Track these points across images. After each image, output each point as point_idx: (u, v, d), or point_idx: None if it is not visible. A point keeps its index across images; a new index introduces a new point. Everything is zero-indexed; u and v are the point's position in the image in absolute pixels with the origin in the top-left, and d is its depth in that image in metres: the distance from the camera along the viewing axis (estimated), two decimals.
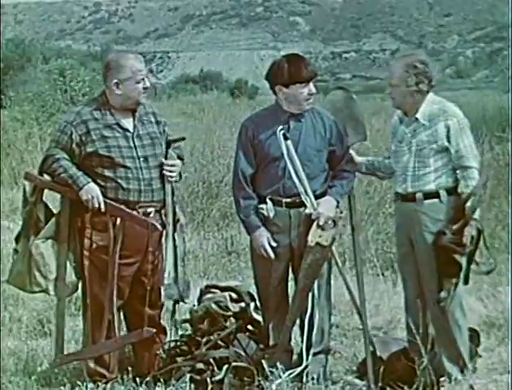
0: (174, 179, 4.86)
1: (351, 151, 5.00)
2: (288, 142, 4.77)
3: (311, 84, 4.84)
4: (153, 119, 4.89)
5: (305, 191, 4.77)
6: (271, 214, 4.85)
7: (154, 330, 4.77)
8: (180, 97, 35.03)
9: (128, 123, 4.78)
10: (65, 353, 4.96)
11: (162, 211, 4.85)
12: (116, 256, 4.68)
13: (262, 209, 4.86)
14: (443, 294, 4.67)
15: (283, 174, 4.82)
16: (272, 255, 4.83)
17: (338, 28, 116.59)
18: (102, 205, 4.64)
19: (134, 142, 4.76)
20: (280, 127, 4.80)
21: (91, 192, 4.64)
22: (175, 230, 4.85)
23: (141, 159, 4.74)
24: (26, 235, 4.75)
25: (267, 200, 4.85)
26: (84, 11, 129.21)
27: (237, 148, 4.99)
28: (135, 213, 4.70)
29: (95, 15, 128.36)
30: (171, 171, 4.82)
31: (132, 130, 4.77)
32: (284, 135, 4.79)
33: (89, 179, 4.66)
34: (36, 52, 25.17)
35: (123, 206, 4.69)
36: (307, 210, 4.78)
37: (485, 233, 4.76)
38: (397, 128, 4.93)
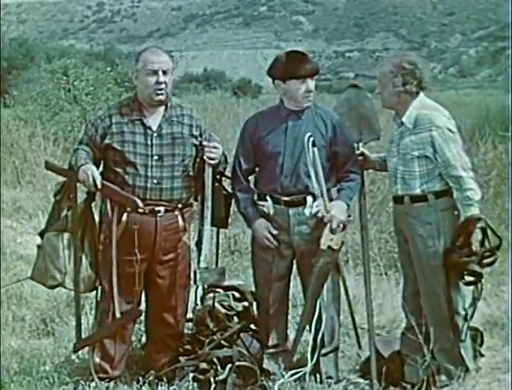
0: (214, 162, 4.76)
1: (363, 149, 4.93)
2: (315, 149, 4.72)
3: (309, 81, 4.80)
4: (186, 121, 4.80)
5: (322, 194, 4.74)
6: (271, 212, 4.86)
7: (142, 309, 4.72)
8: (184, 96, 34.77)
9: (152, 121, 4.73)
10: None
11: (186, 211, 4.81)
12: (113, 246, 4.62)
13: (263, 206, 4.87)
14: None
15: (280, 172, 4.82)
16: (275, 243, 4.82)
17: (341, 28, 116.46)
18: (98, 182, 4.54)
19: (152, 140, 4.69)
20: (309, 134, 4.74)
21: (87, 171, 4.55)
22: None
23: (155, 158, 4.67)
24: (47, 231, 4.76)
25: (267, 197, 4.87)
26: (87, 11, 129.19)
27: (238, 143, 5.01)
28: (120, 190, 4.60)
29: (98, 14, 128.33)
30: (211, 152, 4.73)
31: (154, 129, 4.72)
32: (313, 142, 4.72)
33: (88, 161, 4.61)
34: (39, 51, 25.20)
35: (112, 185, 4.61)
36: (319, 214, 4.75)
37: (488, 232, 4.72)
38: (392, 127, 4.89)
